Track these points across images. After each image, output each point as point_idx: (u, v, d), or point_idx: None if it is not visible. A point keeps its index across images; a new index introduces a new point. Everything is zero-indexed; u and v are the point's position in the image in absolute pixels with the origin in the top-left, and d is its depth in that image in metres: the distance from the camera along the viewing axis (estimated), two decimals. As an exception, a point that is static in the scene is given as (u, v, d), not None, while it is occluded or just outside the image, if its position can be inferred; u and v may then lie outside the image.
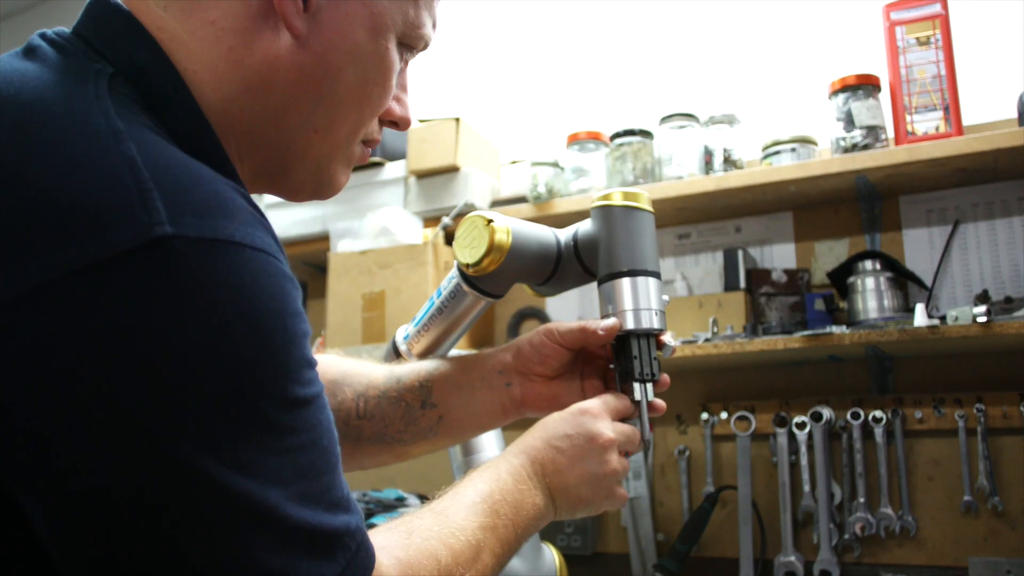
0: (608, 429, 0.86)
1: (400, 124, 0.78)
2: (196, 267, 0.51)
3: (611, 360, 0.96)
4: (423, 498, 1.76)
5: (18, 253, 0.49)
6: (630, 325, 0.91)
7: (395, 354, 1.10)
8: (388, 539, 0.66)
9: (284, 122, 0.68)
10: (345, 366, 1.02)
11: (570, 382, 0.98)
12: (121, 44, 0.62)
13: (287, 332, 0.55)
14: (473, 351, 1.02)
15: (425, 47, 0.76)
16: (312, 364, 0.58)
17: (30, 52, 0.61)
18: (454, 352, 1.08)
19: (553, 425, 0.86)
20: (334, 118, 0.69)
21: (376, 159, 2.08)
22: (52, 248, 0.49)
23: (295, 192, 0.76)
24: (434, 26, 0.75)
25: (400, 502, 1.73)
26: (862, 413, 1.65)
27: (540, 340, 0.96)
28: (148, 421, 0.49)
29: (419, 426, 0.99)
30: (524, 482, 0.81)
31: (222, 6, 0.64)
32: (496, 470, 0.81)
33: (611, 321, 0.91)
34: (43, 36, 0.63)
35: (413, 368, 1.01)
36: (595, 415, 0.86)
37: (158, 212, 0.51)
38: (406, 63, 0.77)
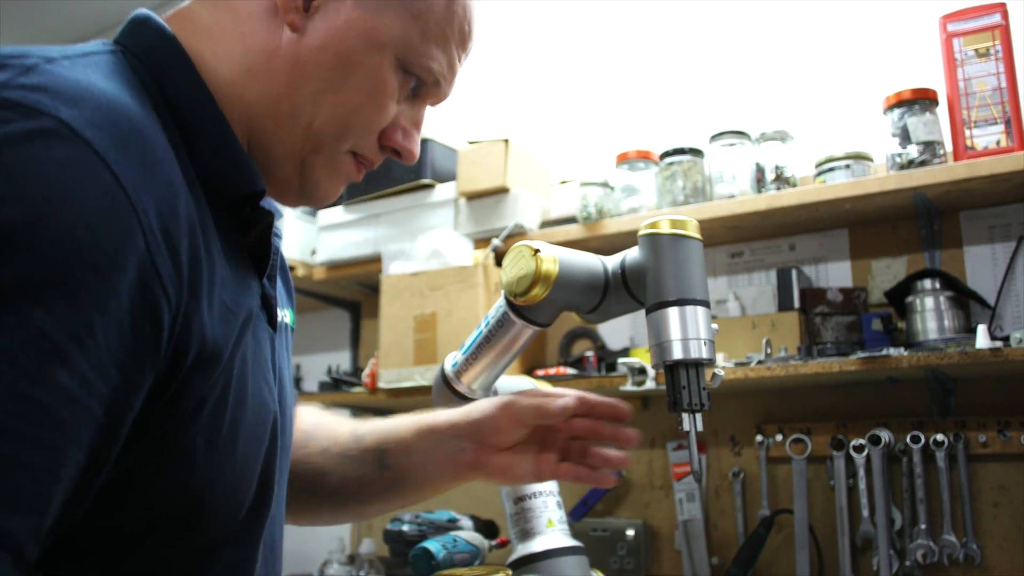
0: None
1: (402, 155, 0.81)
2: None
3: (577, 434, 0.97)
4: (475, 519, 1.77)
5: None
6: (678, 355, 0.90)
7: (444, 382, 1.11)
8: None
9: (278, 111, 0.73)
10: (318, 419, 1.04)
11: (524, 454, 0.97)
12: (136, 32, 0.71)
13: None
14: (433, 411, 1.01)
15: (436, 83, 0.78)
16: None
17: None
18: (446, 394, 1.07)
19: None
20: (316, 116, 0.73)
21: (427, 181, 2.10)
22: None
23: (282, 192, 0.79)
24: (451, 69, 0.79)
25: (452, 523, 1.73)
26: (922, 436, 1.61)
27: (495, 413, 0.95)
28: None
29: (375, 488, 0.99)
30: None
31: None
32: None
33: (566, 401, 0.92)
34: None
35: (373, 428, 1.01)
36: None
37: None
38: (422, 100, 0.80)
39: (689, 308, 0.91)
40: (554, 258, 0.95)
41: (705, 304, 0.92)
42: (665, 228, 0.93)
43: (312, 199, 0.79)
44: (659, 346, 0.91)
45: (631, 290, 0.97)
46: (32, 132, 0.52)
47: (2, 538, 0.49)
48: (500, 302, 1.02)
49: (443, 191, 2.11)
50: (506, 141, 1.99)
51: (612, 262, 0.99)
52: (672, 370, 0.92)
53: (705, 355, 0.91)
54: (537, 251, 0.95)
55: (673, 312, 0.91)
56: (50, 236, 0.51)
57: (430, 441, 0.97)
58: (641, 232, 0.95)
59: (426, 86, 0.79)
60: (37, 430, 0.50)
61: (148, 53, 0.69)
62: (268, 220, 0.75)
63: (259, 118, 0.73)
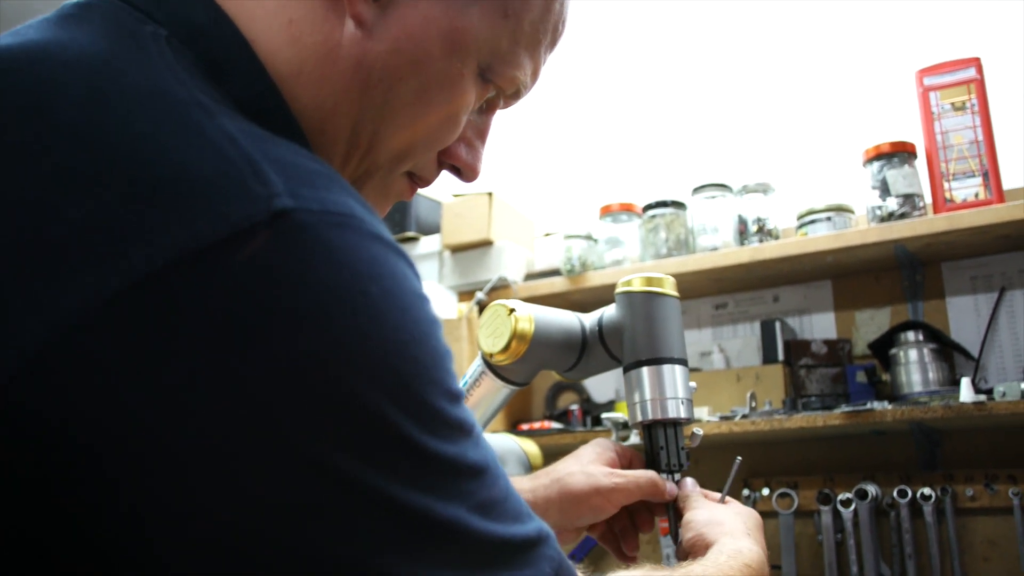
0: None
1: (464, 173, 0.67)
2: (328, 242, 0.42)
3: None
4: None
5: (112, 242, 0.40)
6: (655, 415, 0.89)
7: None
8: None
9: (330, 124, 0.57)
10: None
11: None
12: (172, 2, 0.53)
13: (433, 320, 0.47)
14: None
15: (516, 95, 0.66)
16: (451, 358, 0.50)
17: (67, 19, 0.51)
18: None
19: (748, 522, 0.86)
20: (378, 134, 0.59)
21: (411, 234, 2.10)
22: (154, 231, 0.40)
23: None
24: (535, 75, 0.65)
25: None
26: (909, 491, 1.59)
27: (595, 501, 0.89)
28: (300, 432, 0.39)
29: None
30: None
31: None
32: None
33: (673, 487, 0.90)
34: (76, 5, 0.53)
35: None
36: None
37: (274, 183, 0.42)
38: (493, 109, 0.67)
39: (666, 367, 0.90)
40: (529, 317, 0.94)
41: (683, 363, 0.92)
42: (639, 286, 0.93)
43: None
44: (636, 406, 0.90)
45: (608, 348, 0.96)
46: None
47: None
48: (477, 361, 1.01)
49: (427, 243, 2.11)
50: (490, 194, 2.00)
51: (589, 320, 0.99)
52: (649, 430, 0.91)
53: (683, 415, 0.90)
54: (512, 310, 0.94)
55: (649, 371, 0.90)
56: None
57: None
58: (617, 290, 0.95)
59: (503, 95, 0.65)
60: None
61: (197, 35, 0.52)
62: None
63: (307, 132, 0.57)
